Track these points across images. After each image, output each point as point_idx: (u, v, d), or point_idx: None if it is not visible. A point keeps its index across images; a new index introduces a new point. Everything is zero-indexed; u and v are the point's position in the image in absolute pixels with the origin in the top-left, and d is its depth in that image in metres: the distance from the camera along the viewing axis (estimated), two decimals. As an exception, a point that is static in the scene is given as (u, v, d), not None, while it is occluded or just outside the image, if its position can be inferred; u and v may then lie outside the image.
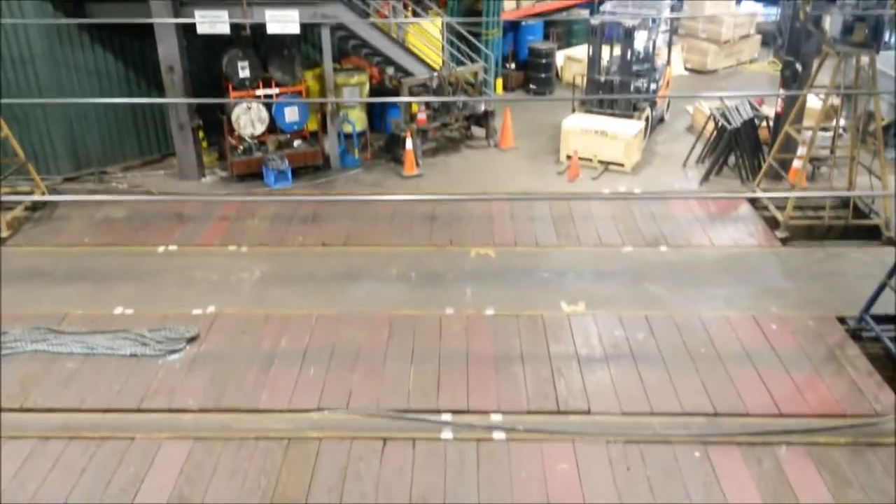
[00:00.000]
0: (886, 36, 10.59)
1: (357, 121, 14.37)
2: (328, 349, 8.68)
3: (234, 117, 13.07)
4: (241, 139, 13.36)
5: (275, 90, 13.46)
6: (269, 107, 13.24)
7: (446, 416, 7.66)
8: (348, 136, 14.23)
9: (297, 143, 13.81)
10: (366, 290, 10.01)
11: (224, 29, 12.60)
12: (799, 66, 11.80)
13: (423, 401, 7.87)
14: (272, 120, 13.37)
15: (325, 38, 13.26)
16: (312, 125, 14.13)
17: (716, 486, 6.81)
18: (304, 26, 13.01)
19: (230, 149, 13.43)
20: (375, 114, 15.34)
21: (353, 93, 14.31)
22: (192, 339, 8.85)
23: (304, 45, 15.29)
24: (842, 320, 9.11)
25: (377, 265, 10.61)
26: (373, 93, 15.19)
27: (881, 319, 8.80)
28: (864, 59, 10.69)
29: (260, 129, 13.30)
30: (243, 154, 13.40)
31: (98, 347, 8.65)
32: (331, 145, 13.97)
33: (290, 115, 13.50)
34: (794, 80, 11.93)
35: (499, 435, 7.43)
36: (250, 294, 9.94)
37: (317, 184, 13.46)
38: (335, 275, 10.38)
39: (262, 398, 7.93)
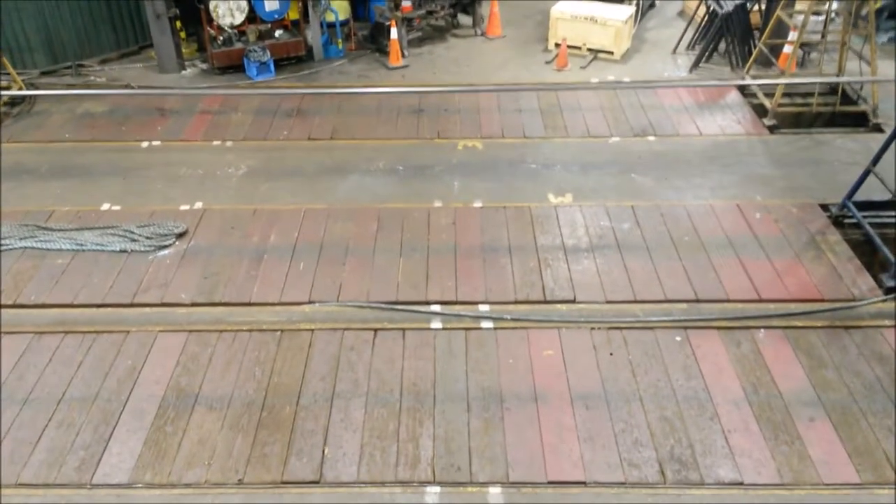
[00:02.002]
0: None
1: (340, 9, 13.90)
2: (317, 243, 8.76)
3: (211, 6, 12.60)
4: (220, 29, 12.94)
5: (253, -24, 12.95)
6: (247, -5, 12.77)
7: (435, 307, 7.83)
8: (331, 26, 13.81)
9: (278, 33, 13.40)
10: (353, 184, 10.00)
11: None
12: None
13: (412, 292, 8.03)
14: (252, 9, 12.92)
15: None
16: (294, 14, 13.63)
17: (695, 368, 7.09)
18: None
19: (210, 40, 13.03)
20: (359, 2, 14.82)
21: (336, -21, 13.79)
22: (181, 235, 8.89)
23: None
24: (825, 207, 9.23)
25: (364, 159, 10.55)
26: (355, -21, 14.64)
27: (863, 206, 8.90)
28: (862, -61, 10.35)
29: (239, 18, 12.87)
30: (223, 45, 13.02)
31: (87, 244, 8.69)
32: (313, 35, 13.57)
33: (270, 3, 13.03)
34: (789, -40, 11.57)
35: (486, 324, 7.63)
36: (237, 189, 9.91)
37: (300, 76, 13.17)
38: (322, 169, 10.33)
39: (253, 292, 8.06)
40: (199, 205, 9.50)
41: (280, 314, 7.79)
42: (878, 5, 12.66)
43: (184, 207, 9.44)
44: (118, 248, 8.63)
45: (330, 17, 13.74)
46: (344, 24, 14.08)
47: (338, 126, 11.43)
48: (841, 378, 6.96)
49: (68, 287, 8.15)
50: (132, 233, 8.83)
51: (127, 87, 12.59)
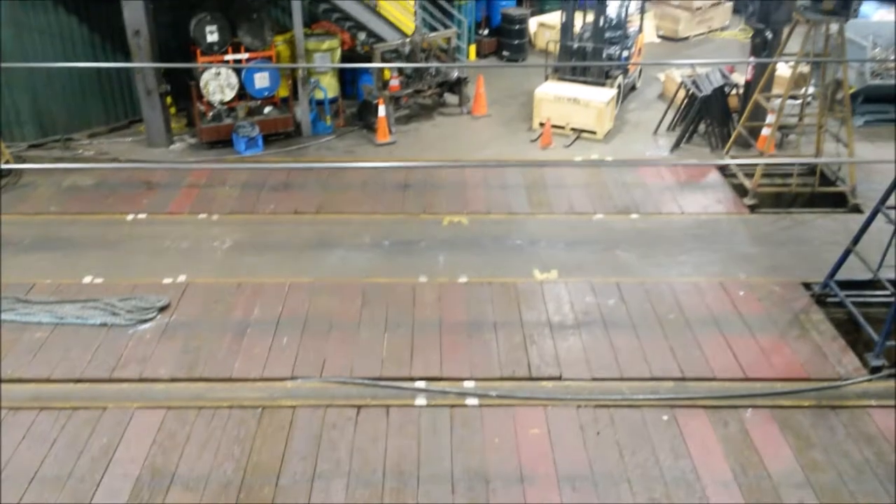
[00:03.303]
0: (855, 4, 10.63)
1: (329, 87, 14.20)
2: (301, 318, 8.68)
3: (202, 83, 12.85)
4: (210, 105, 13.15)
5: (244, 55, 13.23)
6: (238, 72, 13.03)
7: (420, 384, 7.73)
8: (320, 103, 14.07)
9: (267, 109, 13.63)
10: (339, 259, 9.99)
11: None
12: (769, 34, 11.85)
13: (396, 368, 7.93)
14: (242, 86, 13.17)
15: (296, 1, 13.03)
16: (283, 91, 13.93)
17: (683, 449, 6.98)
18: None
19: (199, 115, 13.22)
20: (347, 80, 15.16)
21: (325, 58, 14.11)
22: (163, 309, 8.80)
23: (274, 10, 15.01)
24: (807, 286, 9.30)
25: (350, 233, 10.58)
26: (344, 59, 14.98)
27: (845, 285, 8.99)
28: (834, 27, 10.77)
29: (230, 95, 13.10)
30: (213, 120, 13.20)
31: (67, 317, 8.57)
32: (302, 112, 13.81)
33: (261, 80, 13.30)
34: (763, 47, 11.99)
35: (472, 401, 7.52)
36: (222, 262, 9.88)
37: (288, 151, 13.33)
38: (308, 243, 10.34)
39: (234, 367, 7.93)
40: (182, 278, 9.44)
41: (261, 390, 7.65)
42: (853, 90, 13.09)
43: (167, 281, 9.37)
44: (98, 322, 8.51)
45: (319, 95, 14.01)
46: (333, 101, 14.35)
47: (324, 201, 11.50)
48: (829, 459, 6.87)
49: (46, 361, 7.98)
50: (113, 306, 8.72)
51: (114, 160, 12.67)
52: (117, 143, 13.48)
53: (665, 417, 7.34)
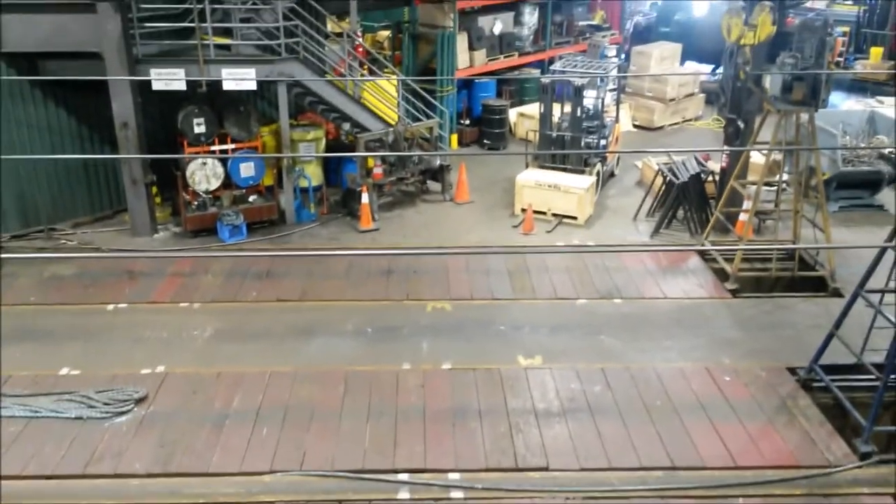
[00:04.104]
0: (824, 94, 11.03)
1: (313, 176, 14.40)
2: (282, 408, 8.51)
3: (188, 173, 12.98)
4: (195, 194, 13.25)
5: (230, 146, 13.44)
6: (224, 162, 13.20)
7: (403, 476, 7.53)
8: (304, 191, 14.23)
9: (252, 198, 13.75)
10: (321, 346, 9.89)
11: (180, 86, 12.64)
12: (741, 124, 12.22)
13: (379, 460, 7.74)
14: (227, 175, 13.32)
15: (282, 95, 13.37)
16: (268, 180, 14.10)
17: (675, 541, 6.79)
18: (260, 82, 13.11)
19: (184, 204, 13.30)
20: (332, 169, 15.39)
21: (310, 148, 14.37)
22: (140, 400, 8.60)
23: (260, 102, 15.37)
24: (792, 371, 9.28)
25: (333, 320, 10.51)
26: (329, 148, 15.27)
27: (830, 369, 8.97)
28: (804, 117, 11.13)
29: (215, 184, 13.22)
30: (197, 209, 13.27)
31: (42, 410, 8.35)
32: (287, 200, 13.94)
33: (246, 170, 13.47)
34: (736, 136, 12.35)
35: (457, 494, 7.33)
36: (202, 352, 9.73)
37: (272, 239, 13.37)
38: (290, 331, 10.25)
39: (212, 460, 7.70)
40: (161, 368, 9.28)
41: (239, 485, 7.41)
42: (827, 176, 13.43)
43: (145, 371, 9.20)
44: (74, 416, 8.29)
45: (303, 183, 14.18)
46: (317, 189, 14.52)
47: (307, 288, 11.47)
48: (825, 550, 6.71)
49: (18, 457, 7.72)
50: (90, 398, 8.52)
51: (97, 250, 12.65)
52: (101, 232, 13.48)
53: (655, 508, 7.18)
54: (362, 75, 15.67)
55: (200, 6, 12.43)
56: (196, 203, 13.28)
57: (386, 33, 19.98)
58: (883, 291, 8.39)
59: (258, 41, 13.35)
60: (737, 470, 7.65)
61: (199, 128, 13.09)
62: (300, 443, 7.96)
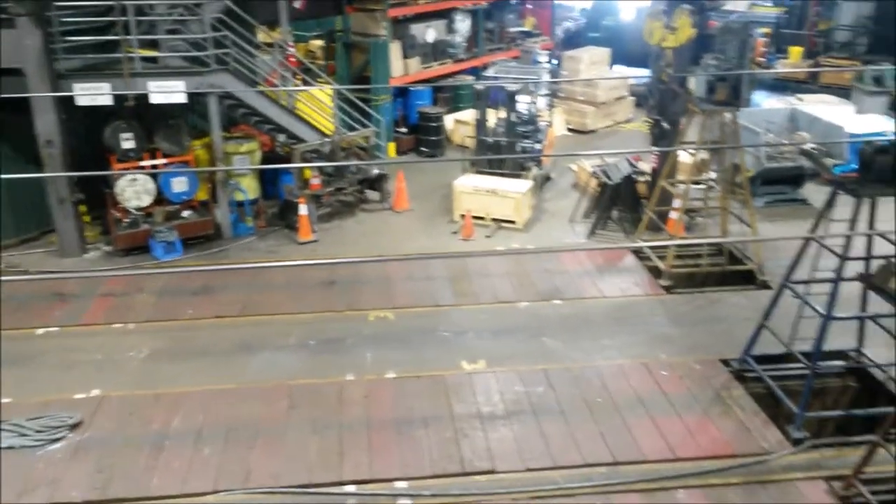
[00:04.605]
0: (746, 93, 11.42)
1: (249, 189, 14.21)
2: (224, 426, 8.36)
3: (118, 190, 12.67)
4: (126, 212, 12.93)
5: (161, 161, 13.17)
6: (155, 178, 12.92)
7: (350, 488, 7.49)
8: (240, 205, 14.03)
9: (186, 213, 13.48)
10: (263, 362, 9.76)
11: (106, 101, 12.32)
12: (665, 125, 12.57)
13: (325, 473, 7.67)
14: (159, 191, 13.04)
15: (213, 107, 13.16)
16: (202, 194, 13.85)
17: (620, 536, 6.92)
18: (191, 95, 12.88)
19: (114, 222, 12.96)
20: (268, 181, 15.19)
21: (244, 161, 14.16)
22: (75, 426, 8.34)
23: (191, 115, 15.08)
24: (725, 363, 9.57)
25: (274, 335, 10.39)
26: (264, 160, 15.07)
27: (761, 359, 9.29)
28: (728, 116, 11.51)
29: (147, 200, 12.93)
30: (129, 227, 12.94)
31: (-31, 442, 8.02)
32: (222, 214, 13.71)
33: (179, 185, 13.21)
34: (661, 137, 12.69)
35: (404, 502, 7.33)
36: (138, 373, 9.50)
37: (209, 254, 13.14)
38: (230, 347, 10.09)
39: (152, 484, 7.52)
40: (96, 392, 9.02)
41: (182, 507, 7.26)
42: (752, 173, 13.90)
43: (79, 396, 8.92)
44: (5, 445, 7.98)
45: (239, 197, 13.98)
46: (253, 202, 14.33)
47: (247, 303, 11.31)
48: (763, 535, 6.93)
49: (-57, 492, 7.41)
50: (21, 427, 8.22)
51: (24, 272, 12.22)
52: (28, 254, 13.03)
53: (600, 504, 7.31)
54: (295, 86, 15.54)
55: (125, 18, 12.16)
56: (127, 221, 12.95)
57: (319, 43, 19.86)
58: (808, 282, 8.71)
59: (186, 53, 13.12)
60: (676, 462, 7.84)
61: (128, 143, 12.79)
62: (244, 461, 7.84)
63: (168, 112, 13.24)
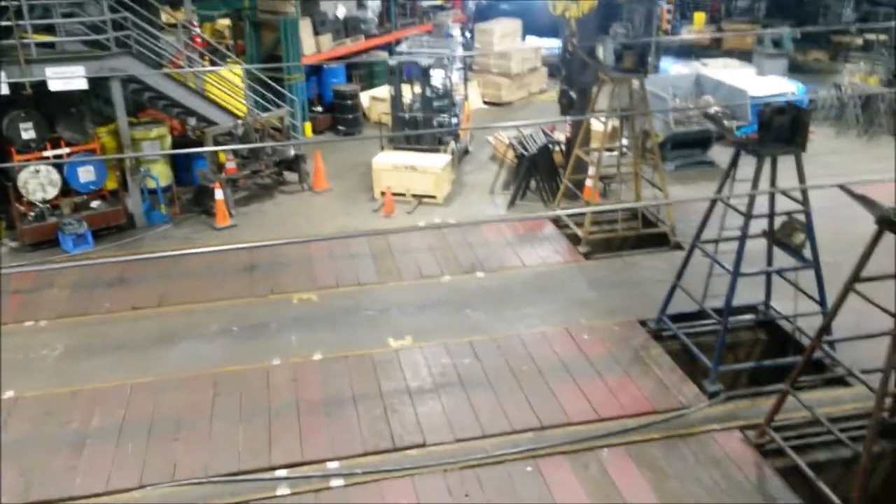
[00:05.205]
0: (653, 60, 11.71)
1: (161, 175, 13.78)
2: (147, 420, 8.17)
3: (20, 182, 12.10)
4: (31, 205, 12.36)
5: (65, 150, 12.62)
6: (60, 168, 12.37)
7: (281, 472, 7.45)
8: (152, 192, 13.60)
9: (95, 203, 12.97)
10: (185, 352, 9.56)
11: (2, 90, 11.68)
12: (573, 94, 12.78)
13: (254, 460, 7.61)
14: (65, 181, 12.51)
15: (116, 92, 12.65)
16: (112, 183, 13.34)
17: (549, 497, 7.12)
18: (92, 81, 12.35)
19: (19, 216, 12.38)
20: (181, 166, 14.76)
21: (154, 146, 13.72)
22: (-12, 431, 8.02)
23: (95, 101, 14.47)
24: (643, 323, 9.90)
25: (195, 323, 10.18)
26: (175, 145, 14.63)
27: (677, 318, 9.66)
28: (636, 83, 11.78)
29: (52, 192, 12.40)
30: (35, 220, 12.38)
31: None
32: (133, 203, 13.27)
33: (85, 174, 12.70)
34: (570, 107, 12.90)
35: (337, 482, 7.34)
36: (53, 371, 9.16)
37: (122, 244, 12.71)
38: (150, 339, 9.83)
39: (75, 484, 7.31)
40: (9, 394, 8.66)
41: (108, 505, 7.09)
42: (661, 138, 14.31)
43: (-9, 399, 8.57)
44: (-90, 456, 7.61)
45: (151, 184, 13.56)
46: (166, 189, 13.92)
47: (165, 292, 11.02)
48: (685, 487, 7.23)
49: None
50: (-72, 436, 7.85)
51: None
52: (-76, 254, 12.35)
53: (529, 469, 7.48)
54: (203, 66, 15.10)
55: (16, 2, 11.52)
56: (33, 214, 12.39)
57: (225, 22, 19.32)
58: (716, 241, 9.06)
59: (84, 37, 12.54)
60: (600, 422, 8.10)
61: (28, 133, 12.22)
62: (170, 454, 7.69)
63: (70, 99, 12.68)
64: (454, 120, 15.48)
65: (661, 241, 12.24)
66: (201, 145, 13.95)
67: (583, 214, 12.23)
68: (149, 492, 7.23)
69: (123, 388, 8.73)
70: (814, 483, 7.13)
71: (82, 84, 12.20)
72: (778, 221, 8.68)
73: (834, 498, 6.86)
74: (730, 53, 21.78)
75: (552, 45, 20.19)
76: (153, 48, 13.33)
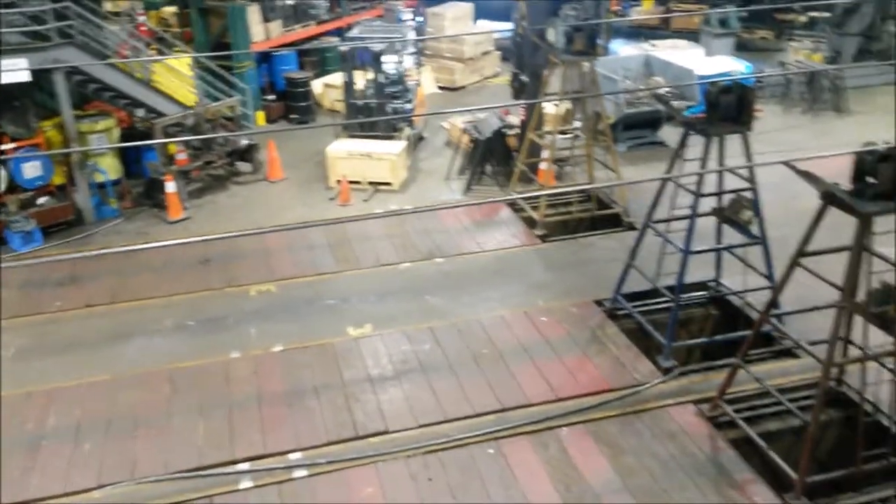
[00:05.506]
0: (603, 42, 11.79)
1: (109, 169, 13.48)
2: (104, 419, 8.08)
3: (-38, 180, 11.76)
4: (-25, 203, 12.04)
5: (9, 146, 12.27)
6: (4, 164, 12.04)
7: (243, 465, 7.44)
8: (102, 186, 13.32)
9: (43, 199, 12.66)
10: (140, 348, 9.44)
11: (-63, 84, 11.34)
12: (524, 78, 12.84)
13: (216, 454, 7.58)
14: (11, 178, 12.18)
15: (60, 84, 12.35)
16: (59, 178, 13.02)
17: (511, 478, 7.24)
18: (35, 73, 12.01)
19: (-38, 215, 12.05)
20: (132, 159, 14.46)
21: (102, 139, 13.40)
22: (-61, 436, 7.83)
23: (39, 94, 14.05)
24: (599, 303, 10.08)
25: (151, 319, 10.05)
26: (124, 137, 14.31)
27: (631, 297, 9.84)
28: (586, 66, 11.88)
29: (-3, 189, 12.08)
30: (-20, 219, 12.07)
31: None
32: (82, 198, 12.98)
33: (31, 170, 12.38)
34: (521, 90, 12.96)
35: (300, 473, 7.35)
36: (6, 373, 8.94)
37: (72, 241, 12.44)
38: (104, 337, 9.68)
39: (31, 486, 7.20)
40: (-40, 398, 8.48)
41: (67, 507, 7.00)
42: (612, 120, 14.46)
43: (-60, 405, 8.36)
44: None
45: (99, 178, 13.28)
46: (116, 183, 13.65)
47: (119, 288, 10.85)
48: (640, 462, 7.42)
49: None
50: None
51: None
52: None
53: (491, 451, 7.58)
54: (150, 56, 14.78)
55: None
56: (-24, 212, 12.07)
57: (172, 9, 18.92)
58: (668, 220, 9.23)
59: (25, 27, 12.17)
60: (559, 402, 8.24)
61: (-32, 129, 11.85)
62: (128, 452, 7.62)
63: (11, 92, 12.31)
64: (408, 106, 15.43)
65: (614, 221, 12.43)
66: (151, 137, 13.67)
67: (538, 197, 12.33)
68: (108, 491, 7.15)
69: (78, 387, 8.60)
70: (765, 452, 7.37)
71: (25, 76, 11.87)
72: (727, 199, 8.87)
73: (784, 466, 7.10)
74: (678, 34, 22.07)
75: (504, 28, 20.23)
76: (97, 38, 13.00)
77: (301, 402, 8.35)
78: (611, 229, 12.26)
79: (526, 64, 12.82)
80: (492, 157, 14.02)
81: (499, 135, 13.99)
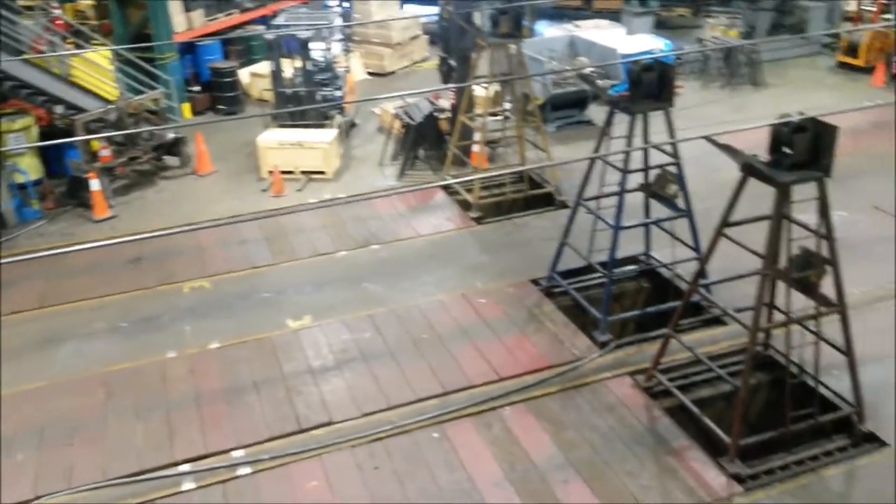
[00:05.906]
0: (527, 24, 11.89)
1: (29, 168, 12.99)
2: (36, 428, 7.83)
3: None
4: None
5: (-82, 149, 11.73)
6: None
7: (184, 467, 7.33)
8: (22, 187, 12.83)
9: (-41, 204, 12.17)
10: (71, 353, 9.18)
11: None
12: (452, 62, 12.87)
13: (155, 457, 7.44)
14: (-79, 183, 11.65)
15: (-30, 83, 11.83)
16: (-26, 182, 12.51)
17: (456, 461, 7.31)
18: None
19: None
20: (51, 158, 13.93)
21: (20, 139, 12.90)
22: None
23: (-52, 94, 13.46)
24: (535, 282, 10.22)
25: (81, 322, 9.77)
26: (43, 135, 13.78)
27: (566, 274, 10.01)
28: (513, 48, 11.96)
29: None
30: None
31: None
32: (3, 200, 12.48)
33: (-56, 174, 11.86)
34: (450, 74, 12.99)
35: (244, 470, 7.29)
36: (-72, 388, 8.62)
37: (-7, 246, 11.99)
38: (32, 343, 9.37)
39: (-37, 503, 6.97)
40: None
41: (1, 521, 6.80)
42: (541, 101, 14.61)
43: None
44: None
45: (19, 178, 12.79)
46: (37, 183, 13.16)
47: (46, 292, 10.51)
48: (581, 435, 7.59)
49: None
50: None
51: None
52: None
53: (435, 435, 7.65)
54: (66, 50, 14.25)
55: None
56: None
57: (88, 1, 18.26)
58: (597, 197, 9.41)
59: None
60: (500, 382, 8.35)
61: None
62: (64, 460, 7.42)
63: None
64: (338, 93, 15.28)
65: (547, 200, 12.60)
66: (71, 134, 13.21)
67: (471, 180, 12.40)
68: (44, 502, 6.96)
69: (8, 396, 8.31)
70: (699, 419, 7.63)
71: (-68, 76, 11.33)
72: (653, 175, 9.09)
73: (718, 431, 7.37)
74: (600, 14, 22.36)
75: (431, 12, 20.16)
76: (10, 33, 12.46)
77: (241, 398, 8.26)
78: (544, 208, 12.43)
79: (453, 48, 12.84)
80: (424, 141, 14.02)
81: (430, 119, 13.99)
